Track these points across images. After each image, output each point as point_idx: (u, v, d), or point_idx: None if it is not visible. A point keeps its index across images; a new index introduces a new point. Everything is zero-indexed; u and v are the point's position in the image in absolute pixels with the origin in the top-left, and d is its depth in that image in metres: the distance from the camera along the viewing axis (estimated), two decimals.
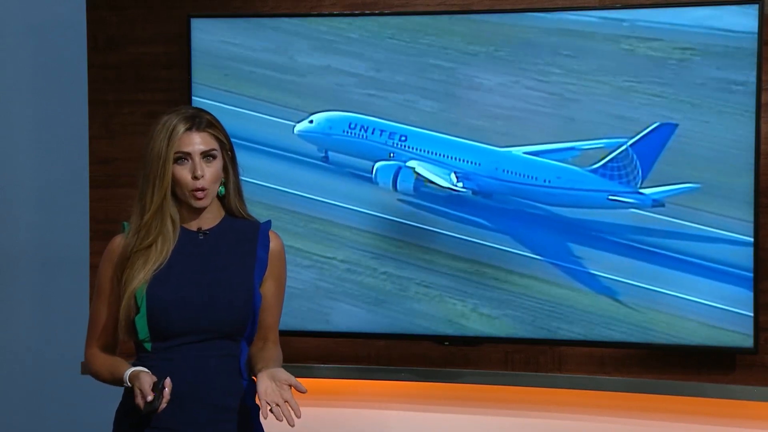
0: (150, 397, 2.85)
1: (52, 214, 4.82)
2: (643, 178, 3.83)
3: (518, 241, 3.98)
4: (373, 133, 3.97)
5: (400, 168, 3.93)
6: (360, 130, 3.95)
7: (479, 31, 3.95)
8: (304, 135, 4.05)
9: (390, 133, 3.97)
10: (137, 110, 4.36)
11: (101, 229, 4.39)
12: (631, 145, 3.84)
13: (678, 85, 3.84)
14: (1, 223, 4.87)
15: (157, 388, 2.88)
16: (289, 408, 2.82)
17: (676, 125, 3.79)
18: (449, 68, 3.99)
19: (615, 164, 3.85)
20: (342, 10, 4.18)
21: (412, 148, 3.98)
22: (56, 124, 4.79)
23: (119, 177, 4.39)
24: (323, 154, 4.03)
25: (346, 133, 3.99)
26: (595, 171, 3.88)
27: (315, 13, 4.18)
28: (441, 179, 3.92)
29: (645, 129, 3.83)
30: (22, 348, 4.89)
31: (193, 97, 4.19)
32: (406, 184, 3.95)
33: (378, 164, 3.96)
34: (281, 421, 2.81)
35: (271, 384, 2.87)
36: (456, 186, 3.93)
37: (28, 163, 4.85)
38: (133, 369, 2.95)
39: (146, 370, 2.95)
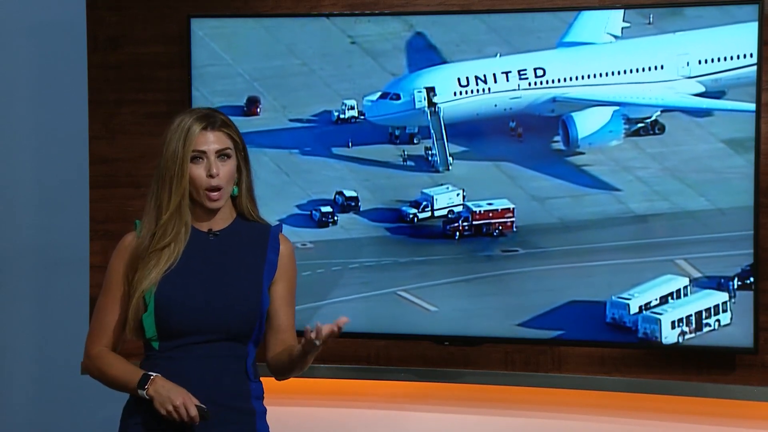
0: (202, 405, 2.91)
1: (52, 214, 4.82)
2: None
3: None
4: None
5: None
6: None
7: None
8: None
9: None
10: (137, 110, 4.36)
11: (101, 229, 4.39)
12: None
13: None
14: (1, 224, 4.87)
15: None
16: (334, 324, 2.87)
17: None
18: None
19: None
20: (342, 10, 4.18)
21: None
22: (56, 124, 4.79)
23: (119, 177, 4.38)
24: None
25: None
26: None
27: (315, 13, 4.18)
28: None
29: None
30: (22, 348, 4.89)
31: (193, 97, 4.19)
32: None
33: None
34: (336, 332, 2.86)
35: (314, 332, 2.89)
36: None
37: (28, 163, 4.84)
38: (150, 385, 2.95)
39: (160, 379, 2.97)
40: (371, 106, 4.07)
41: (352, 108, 4.09)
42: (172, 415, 2.91)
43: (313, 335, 2.86)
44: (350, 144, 4.11)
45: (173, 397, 2.92)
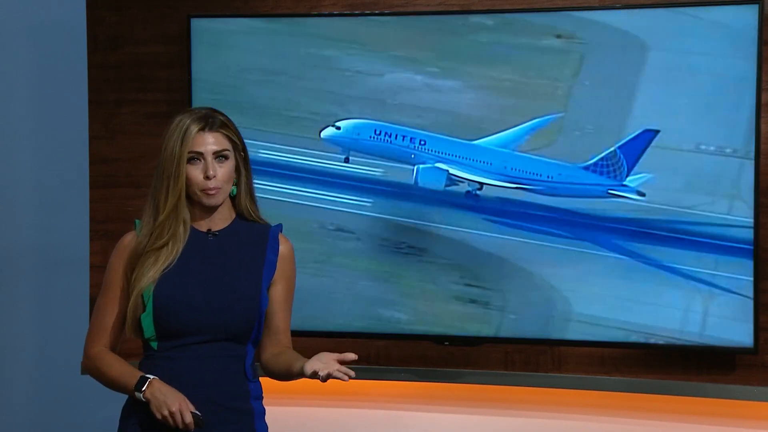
0: (197, 412, 2.91)
1: (52, 214, 4.82)
2: (627, 175, 3.91)
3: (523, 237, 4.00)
4: (396, 138, 4.08)
5: (433, 167, 4.08)
6: (384, 135, 4.09)
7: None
8: (330, 139, 4.09)
9: (411, 138, 4.07)
10: (137, 110, 4.37)
11: (101, 229, 4.39)
12: (619, 147, 3.89)
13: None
14: (1, 223, 4.87)
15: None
16: (343, 371, 2.87)
17: (658, 131, 3.86)
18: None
19: (604, 162, 3.90)
20: (342, 10, 4.18)
21: (431, 151, 4.05)
22: (56, 124, 4.79)
23: (119, 177, 4.39)
24: (345, 155, 4.08)
25: (372, 139, 4.09)
26: (587, 168, 3.93)
27: (315, 13, 4.18)
28: (470, 175, 4.04)
29: (632, 133, 3.91)
30: (22, 348, 4.89)
31: (193, 98, 4.19)
32: (437, 182, 4.05)
33: (418, 167, 4.08)
34: (346, 380, 2.87)
35: (318, 363, 2.88)
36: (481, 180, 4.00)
37: (28, 163, 4.85)
38: (147, 388, 2.95)
39: (157, 384, 2.97)
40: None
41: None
42: (167, 420, 2.92)
43: (323, 375, 2.87)
44: None
45: (170, 402, 2.92)
